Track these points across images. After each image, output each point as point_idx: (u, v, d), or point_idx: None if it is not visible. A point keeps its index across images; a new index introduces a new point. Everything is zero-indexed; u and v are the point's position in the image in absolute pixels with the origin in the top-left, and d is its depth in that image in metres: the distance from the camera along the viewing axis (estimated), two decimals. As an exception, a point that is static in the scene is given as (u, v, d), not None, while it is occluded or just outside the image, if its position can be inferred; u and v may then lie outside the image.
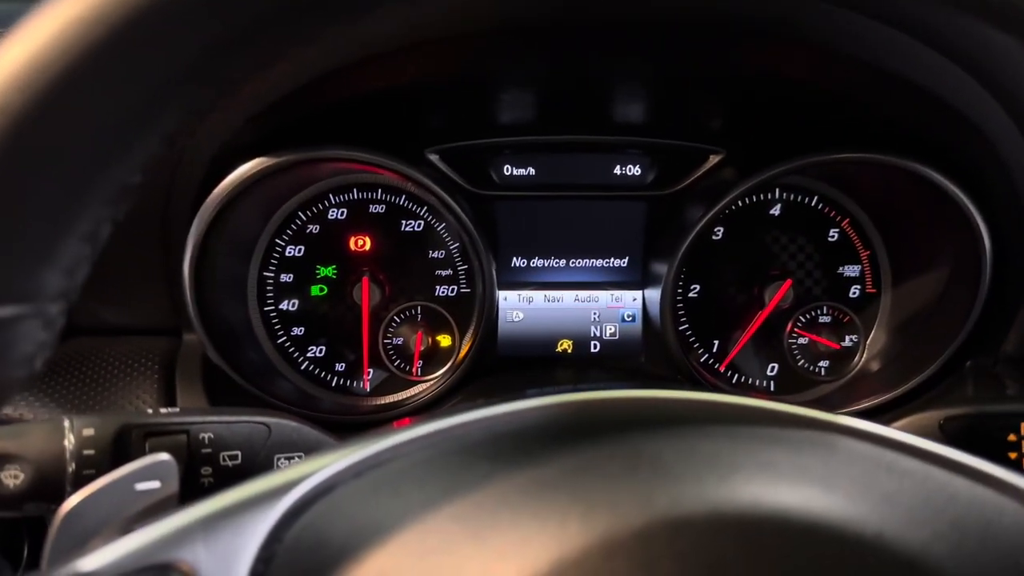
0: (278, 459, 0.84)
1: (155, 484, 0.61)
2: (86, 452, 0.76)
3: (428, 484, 0.48)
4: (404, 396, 1.32)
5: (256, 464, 0.83)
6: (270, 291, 1.32)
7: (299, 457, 0.84)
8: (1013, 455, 0.86)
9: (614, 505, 0.43)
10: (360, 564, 0.43)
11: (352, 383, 1.35)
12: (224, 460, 0.81)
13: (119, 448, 0.78)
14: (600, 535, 0.41)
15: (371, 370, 1.34)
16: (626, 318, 1.38)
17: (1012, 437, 0.86)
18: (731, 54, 1.06)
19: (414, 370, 1.34)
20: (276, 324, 1.32)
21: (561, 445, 0.49)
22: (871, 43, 0.96)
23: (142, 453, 0.78)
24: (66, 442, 0.76)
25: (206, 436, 0.81)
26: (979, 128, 1.03)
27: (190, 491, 0.64)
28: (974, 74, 0.92)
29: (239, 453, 0.82)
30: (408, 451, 0.52)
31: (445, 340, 1.35)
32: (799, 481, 0.45)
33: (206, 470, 0.81)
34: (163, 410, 0.82)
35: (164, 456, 0.62)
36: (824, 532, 0.42)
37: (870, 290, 1.36)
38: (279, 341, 1.33)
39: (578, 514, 0.43)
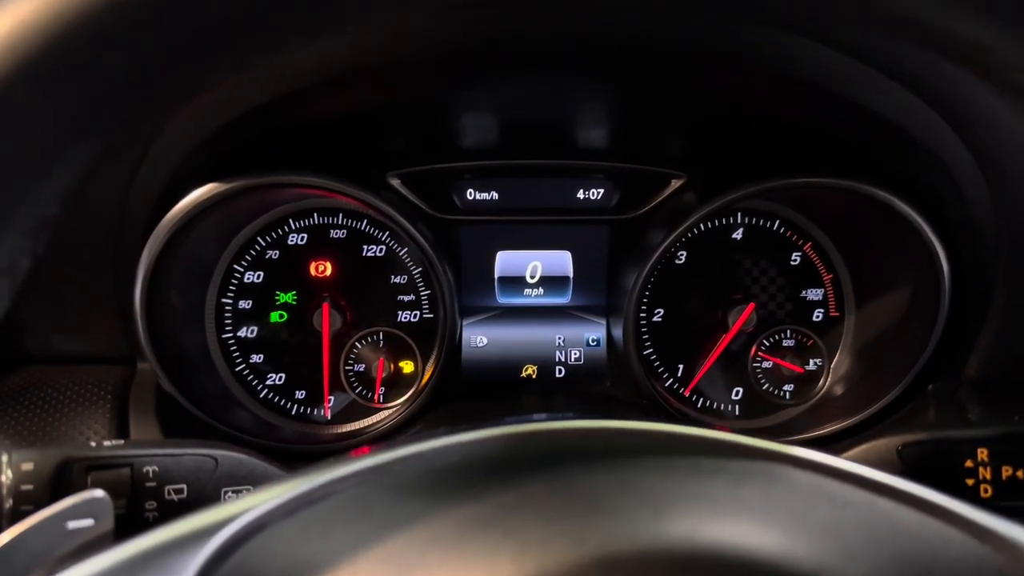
0: (225, 492, 0.82)
1: (88, 522, 0.59)
2: (24, 487, 0.74)
3: (359, 523, 0.46)
4: (366, 423, 1.30)
5: (203, 498, 0.80)
6: (228, 318, 1.29)
7: (247, 490, 0.82)
8: (970, 481, 0.85)
9: (545, 543, 0.41)
10: None
11: (312, 411, 1.33)
12: (169, 494, 0.79)
13: (59, 483, 0.76)
14: (530, 574, 0.40)
15: (332, 397, 1.32)
16: (591, 343, 1.37)
17: (969, 463, 0.85)
18: (691, 80, 1.06)
19: (376, 397, 1.32)
20: (234, 351, 1.30)
21: (495, 480, 0.47)
22: (832, 71, 0.97)
23: (84, 487, 0.76)
24: (3, 477, 0.73)
25: (151, 469, 0.79)
26: (937, 156, 1.03)
27: (134, 527, 0.62)
28: (931, 103, 0.93)
29: (185, 487, 0.80)
30: (342, 488, 0.50)
31: (408, 366, 1.34)
32: (736, 515, 0.44)
33: (151, 504, 0.79)
34: (106, 443, 0.80)
35: (98, 493, 0.60)
36: (760, 569, 0.41)
37: (833, 314, 1.37)
38: (237, 369, 1.30)
39: (509, 553, 0.41)
